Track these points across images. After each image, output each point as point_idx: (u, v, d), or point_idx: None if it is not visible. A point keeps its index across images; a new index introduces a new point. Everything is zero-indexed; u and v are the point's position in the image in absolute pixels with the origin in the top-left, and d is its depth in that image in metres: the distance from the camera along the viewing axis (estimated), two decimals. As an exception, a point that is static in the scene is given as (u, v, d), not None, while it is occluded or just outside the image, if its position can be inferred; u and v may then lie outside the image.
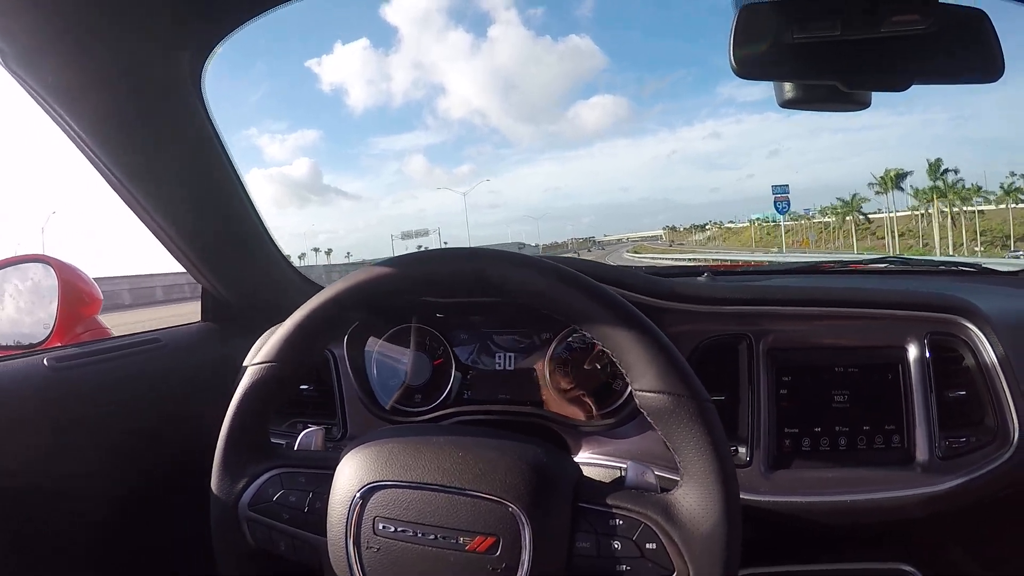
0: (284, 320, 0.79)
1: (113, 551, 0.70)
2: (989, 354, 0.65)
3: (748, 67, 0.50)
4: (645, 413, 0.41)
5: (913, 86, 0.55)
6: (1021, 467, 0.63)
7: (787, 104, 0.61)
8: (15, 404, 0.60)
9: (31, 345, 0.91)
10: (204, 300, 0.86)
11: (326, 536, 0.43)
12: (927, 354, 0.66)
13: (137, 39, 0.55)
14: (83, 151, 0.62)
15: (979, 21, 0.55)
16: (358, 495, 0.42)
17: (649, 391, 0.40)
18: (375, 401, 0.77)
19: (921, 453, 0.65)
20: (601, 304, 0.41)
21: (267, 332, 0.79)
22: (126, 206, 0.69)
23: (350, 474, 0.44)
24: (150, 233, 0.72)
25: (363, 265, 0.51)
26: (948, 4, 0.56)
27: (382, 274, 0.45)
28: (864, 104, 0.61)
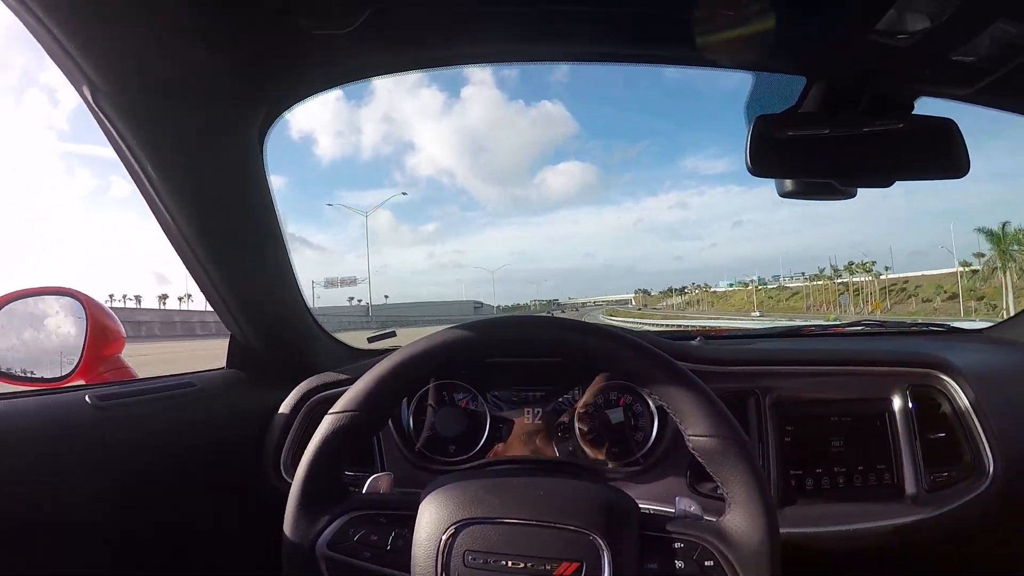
0: (310, 373, 0.83)
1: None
2: (963, 401, 0.76)
3: (761, 167, 0.59)
4: (697, 455, 0.48)
5: (896, 183, 0.65)
6: (997, 496, 0.73)
7: (787, 195, 0.70)
8: (62, 439, 0.61)
9: (49, 380, 0.92)
10: (232, 346, 0.88)
11: (409, 572, 0.47)
12: (910, 403, 0.76)
13: (222, 96, 0.60)
14: (144, 190, 0.65)
15: (948, 130, 0.65)
16: (449, 531, 0.46)
17: (702, 435, 0.47)
18: (413, 449, 0.81)
19: (910, 487, 0.74)
20: (660, 366, 0.49)
21: (311, 380, 0.83)
22: (174, 249, 0.72)
23: (438, 513, 0.47)
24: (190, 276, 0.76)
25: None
26: (922, 115, 0.66)
27: (470, 336, 0.50)
28: (851, 195, 0.71)
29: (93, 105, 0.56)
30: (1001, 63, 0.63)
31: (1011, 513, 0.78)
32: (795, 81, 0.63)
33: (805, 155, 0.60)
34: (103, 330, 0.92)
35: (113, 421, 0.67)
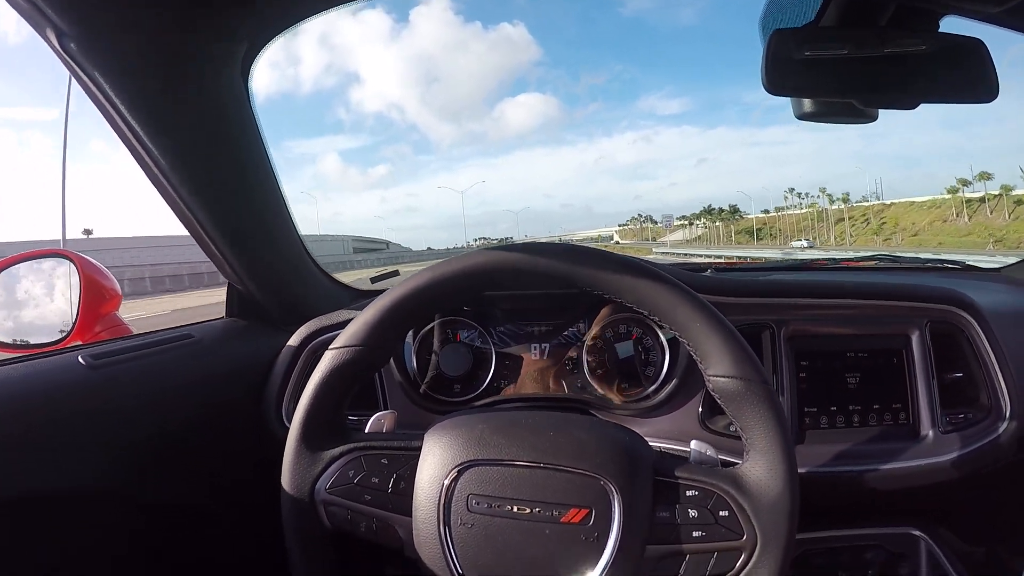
0: (311, 317, 0.81)
1: (160, 549, 0.69)
2: (983, 340, 0.73)
3: (777, 85, 0.55)
4: (716, 396, 0.45)
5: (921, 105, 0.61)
6: (1014, 439, 0.71)
7: (804, 117, 0.66)
8: (55, 402, 0.59)
9: (46, 344, 0.90)
10: (230, 295, 0.86)
11: (411, 515, 0.45)
12: (928, 340, 0.74)
13: (198, 28, 0.56)
14: (125, 139, 0.62)
15: (977, 48, 0.61)
16: (452, 473, 0.44)
17: (723, 376, 0.44)
18: (417, 390, 0.79)
19: (925, 428, 0.72)
20: (682, 299, 0.45)
21: (310, 323, 0.81)
22: (162, 198, 0.69)
23: (441, 454, 0.45)
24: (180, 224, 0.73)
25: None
26: (949, 33, 0.62)
27: (475, 264, 0.47)
28: (873, 118, 0.67)
29: (60, 51, 0.53)
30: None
31: None
32: (814, -7, 0.59)
33: (825, 73, 0.56)
34: (97, 289, 0.91)
35: (108, 380, 0.65)
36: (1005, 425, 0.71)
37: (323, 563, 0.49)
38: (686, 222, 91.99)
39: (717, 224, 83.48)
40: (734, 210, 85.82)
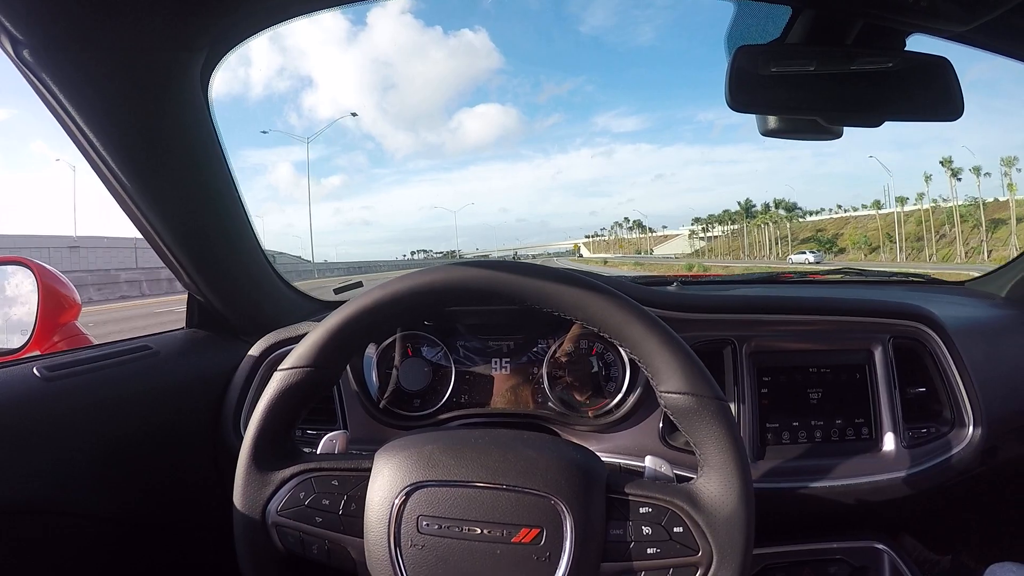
0: (272, 328, 0.79)
1: (113, 564, 0.67)
2: (946, 355, 0.74)
3: (741, 101, 0.54)
4: (669, 412, 0.44)
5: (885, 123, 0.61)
6: (977, 452, 0.71)
7: (769, 133, 0.66)
8: (7, 414, 0.57)
9: (2, 354, 0.88)
10: (190, 305, 0.84)
11: (363, 537, 0.44)
12: (891, 355, 0.74)
13: (156, 38, 0.54)
14: (82, 147, 0.60)
15: (943, 67, 0.61)
16: (402, 495, 0.43)
17: (675, 392, 0.43)
18: (376, 405, 0.78)
19: (888, 443, 0.72)
20: (633, 316, 0.44)
21: (270, 336, 0.79)
22: (120, 207, 0.67)
23: (390, 475, 0.44)
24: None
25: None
26: (915, 52, 0.62)
27: (424, 282, 0.46)
28: (837, 135, 0.67)
29: (15, 58, 0.51)
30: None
31: (990, 472, 0.77)
32: (780, 11, 0.59)
33: (790, 90, 0.56)
34: (56, 298, 0.88)
35: (63, 392, 0.63)
36: (968, 439, 0.72)
37: None
38: (697, 227, 73.13)
39: (747, 226, 63.18)
40: (789, 208, 60.76)
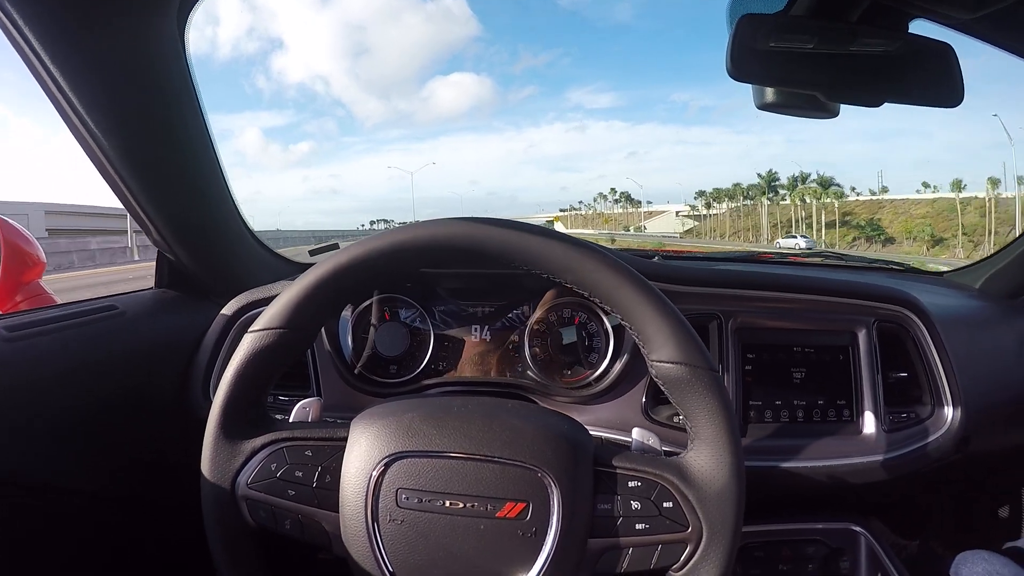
0: (246, 289, 0.76)
1: (78, 538, 0.65)
2: (929, 342, 0.74)
3: (742, 71, 0.53)
4: (660, 382, 0.43)
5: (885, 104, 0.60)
6: (955, 439, 0.72)
7: (766, 107, 0.64)
8: None
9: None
10: (160, 265, 0.80)
11: (338, 511, 0.42)
12: (875, 339, 0.75)
13: None
14: (45, 86, 0.56)
15: (946, 53, 0.60)
16: (379, 466, 0.41)
17: (667, 362, 0.42)
18: (351, 371, 0.75)
19: (869, 426, 0.73)
20: (626, 280, 0.43)
21: (243, 296, 0.76)
22: (88, 157, 0.63)
23: (368, 445, 0.42)
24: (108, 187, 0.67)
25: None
26: (919, 35, 0.61)
27: (405, 238, 0.43)
28: (834, 114, 0.66)
29: None
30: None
31: (965, 460, 0.78)
32: (785, -18, 0.57)
33: (792, 63, 0.55)
34: (19, 255, 0.84)
35: (26, 353, 0.60)
36: (947, 425, 0.73)
37: (248, 561, 0.46)
38: (700, 202, 60.99)
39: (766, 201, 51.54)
40: (825, 184, 47.43)
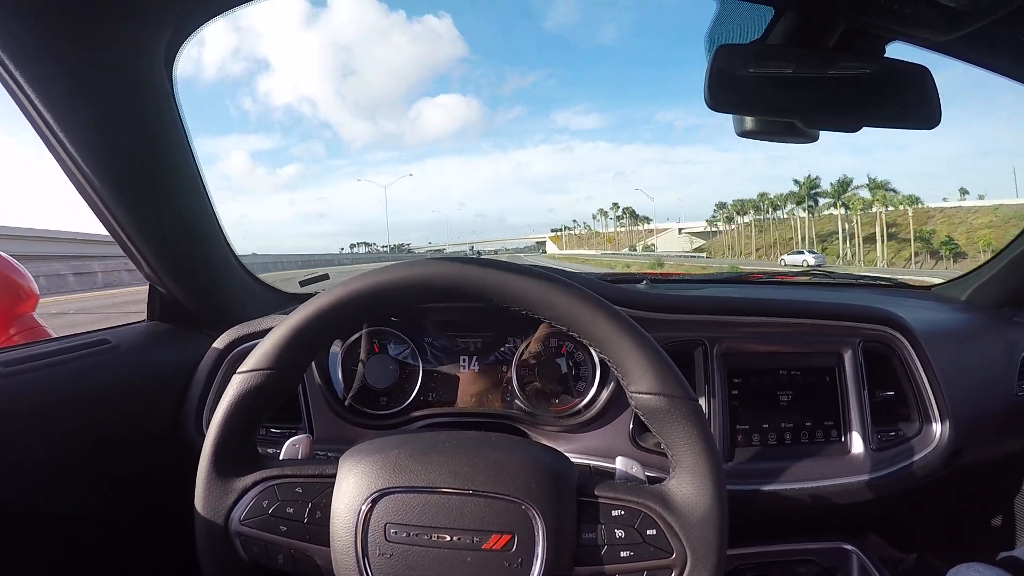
0: (237, 321, 0.77)
1: (72, 567, 0.65)
2: (914, 360, 0.75)
3: (720, 100, 0.54)
4: (640, 413, 0.44)
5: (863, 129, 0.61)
6: (944, 456, 0.73)
7: (745, 134, 0.66)
8: None
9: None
10: (152, 298, 0.81)
11: (329, 546, 0.43)
12: (861, 359, 0.75)
13: (118, 11, 0.52)
14: (34, 123, 0.57)
15: (922, 75, 0.61)
16: (368, 502, 0.42)
17: (646, 393, 0.43)
18: (342, 403, 0.76)
19: (857, 446, 0.73)
20: (601, 314, 0.43)
21: (234, 329, 0.76)
22: (77, 192, 0.64)
23: (356, 482, 0.43)
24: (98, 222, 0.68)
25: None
26: (895, 59, 0.62)
27: (386, 280, 0.44)
28: (814, 139, 0.67)
29: None
30: (990, 9, 0.58)
31: (955, 474, 0.78)
32: (762, 12, 0.58)
33: (769, 91, 0.56)
34: (12, 288, 0.84)
35: (18, 388, 0.60)
36: (935, 442, 0.73)
37: None
38: (720, 215, 54.48)
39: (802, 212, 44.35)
40: (880, 186, 39.45)
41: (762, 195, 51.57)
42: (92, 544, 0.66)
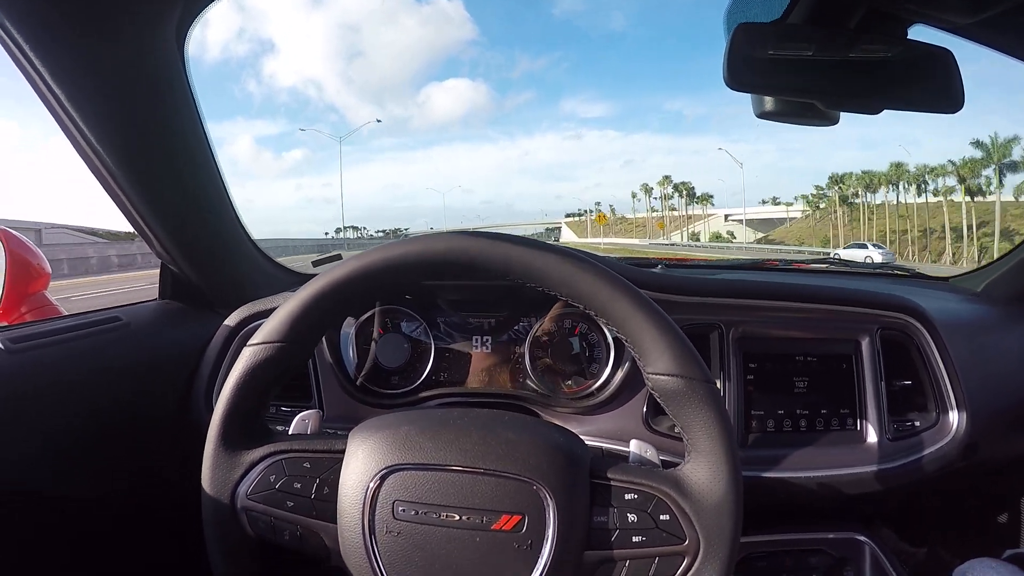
0: (249, 300, 0.77)
1: (81, 547, 0.65)
2: (933, 350, 0.74)
3: (739, 80, 0.53)
4: (656, 394, 0.43)
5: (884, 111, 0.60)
6: (960, 447, 0.72)
7: (765, 115, 0.64)
8: None
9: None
10: (163, 276, 0.81)
11: (336, 523, 0.43)
12: (879, 347, 0.74)
13: None
14: (46, 100, 0.57)
15: (945, 58, 0.60)
16: (376, 479, 0.42)
17: (663, 374, 0.41)
18: (353, 382, 0.76)
19: (873, 435, 0.72)
20: (621, 293, 0.42)
21: (246, 307, 0.76)
22: (90, 171, 0.64)
23: (365, 458, 0.43)
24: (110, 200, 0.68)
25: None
26: (918, 41, 0.61)
27: (400, 253, 0.44)
28: (834, 121, 0.66)
29: None
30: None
31: (971, 467, 0.77)
32: (783, -10, 0.57)
33: (790, 72, 0.55)
34: (24, 266, 0.85)
35: (28, 365, 0.60)
36: (952, 433, 0.72)
37: (247, 571, 0.46)
38: (833, 192, 40.77)
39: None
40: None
41: (865, 172, 39.11)
42: (99, 520, 0.67)
